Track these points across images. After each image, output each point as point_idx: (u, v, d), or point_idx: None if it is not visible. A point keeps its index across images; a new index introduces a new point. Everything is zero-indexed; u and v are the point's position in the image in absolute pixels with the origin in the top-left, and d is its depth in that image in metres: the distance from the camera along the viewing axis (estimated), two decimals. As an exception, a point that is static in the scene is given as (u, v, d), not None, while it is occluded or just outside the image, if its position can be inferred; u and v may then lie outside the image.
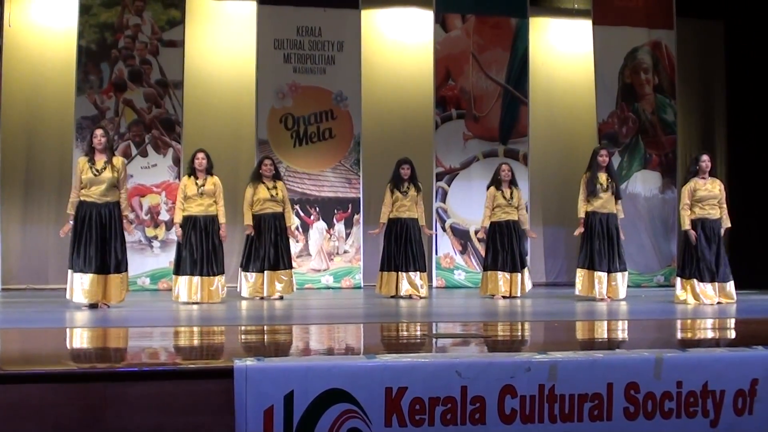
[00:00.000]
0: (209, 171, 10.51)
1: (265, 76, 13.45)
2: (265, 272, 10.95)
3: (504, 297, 11.20)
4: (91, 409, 4.57)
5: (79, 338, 7.31)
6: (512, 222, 11.44)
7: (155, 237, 12.81)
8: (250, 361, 4.67)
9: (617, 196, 11.06)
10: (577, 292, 10.98)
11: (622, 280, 10.99)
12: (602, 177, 10.94)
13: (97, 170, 9.48)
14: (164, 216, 12.82)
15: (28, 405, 4.52)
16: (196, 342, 6.95)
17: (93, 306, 9.38)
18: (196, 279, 10.29)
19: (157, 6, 13.07)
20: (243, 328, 8.16)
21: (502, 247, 11.36)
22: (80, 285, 9.37)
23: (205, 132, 13.23)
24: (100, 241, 9.43)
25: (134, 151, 12.81)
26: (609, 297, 10.84)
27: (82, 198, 9.58)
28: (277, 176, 11.19)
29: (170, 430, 4.64)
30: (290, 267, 11.14)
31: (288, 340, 6.84)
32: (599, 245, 10.87)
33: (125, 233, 9.72)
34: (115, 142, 12.41)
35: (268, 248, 10.95)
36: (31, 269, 12.98)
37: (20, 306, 10.40)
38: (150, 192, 12.84)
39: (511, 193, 11.44)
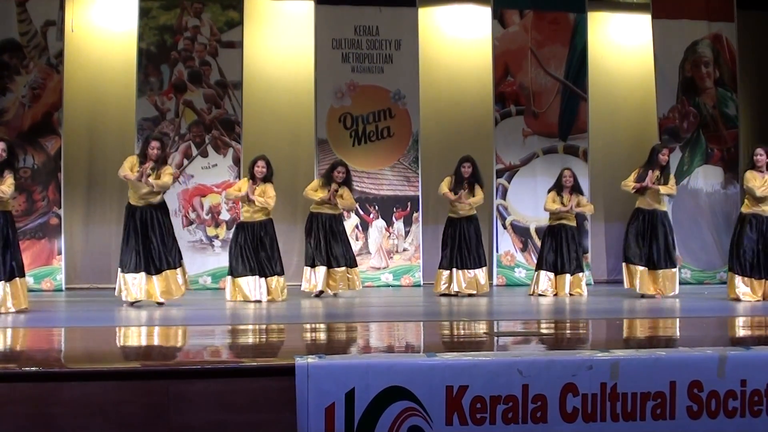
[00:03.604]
0: (267, 179, 10.58)
1: (323, 76, 13.48)
2: (322, 268, 11.00)
3: (554, 295, 11.18)
4: (154, 406, 4.63)
5: (142, 336, 7.40)
6: (568, 226, 11.42)
7: (216, 236, 12.88)
8: (311, 359, 4.70)
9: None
10: (626, 287, 10.96)
11: (670, 276, 10.89)
12: (655, 174, 10.84)
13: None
14: (225, 215, 12.89)
15: (93, 402, 4.58)
16: (257, 340, 7.00)
17: (136, 303, 9.54)
18: (256, 278, 10.36)
19: (215, 7, 13.16)
20: (304, 326, 8.20)
21: (553, 248, 11.37)
22: (129, 284, 9.56)
23: (264, 132, 13.29)
24: (145, 241, 9.59)
25: (195, 151, 12.91)
26: (659, 293, 10.78)
27: (128, 200, 9.75)
28: (346, 183, 11.21)
29: (232, 427, 4.68)
30: (345, 265, 11.12)
31: (349, 338, 6.87)
32: (640, 240, 10.87)
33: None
34: (176, 142, 12.59)
35: (323, 246, 11.01)
36: (94, 269, 13.11)
37: (84, 305, 10.57)
38: (210, 192, 12.92)
39: (570, 200, 11.36)
